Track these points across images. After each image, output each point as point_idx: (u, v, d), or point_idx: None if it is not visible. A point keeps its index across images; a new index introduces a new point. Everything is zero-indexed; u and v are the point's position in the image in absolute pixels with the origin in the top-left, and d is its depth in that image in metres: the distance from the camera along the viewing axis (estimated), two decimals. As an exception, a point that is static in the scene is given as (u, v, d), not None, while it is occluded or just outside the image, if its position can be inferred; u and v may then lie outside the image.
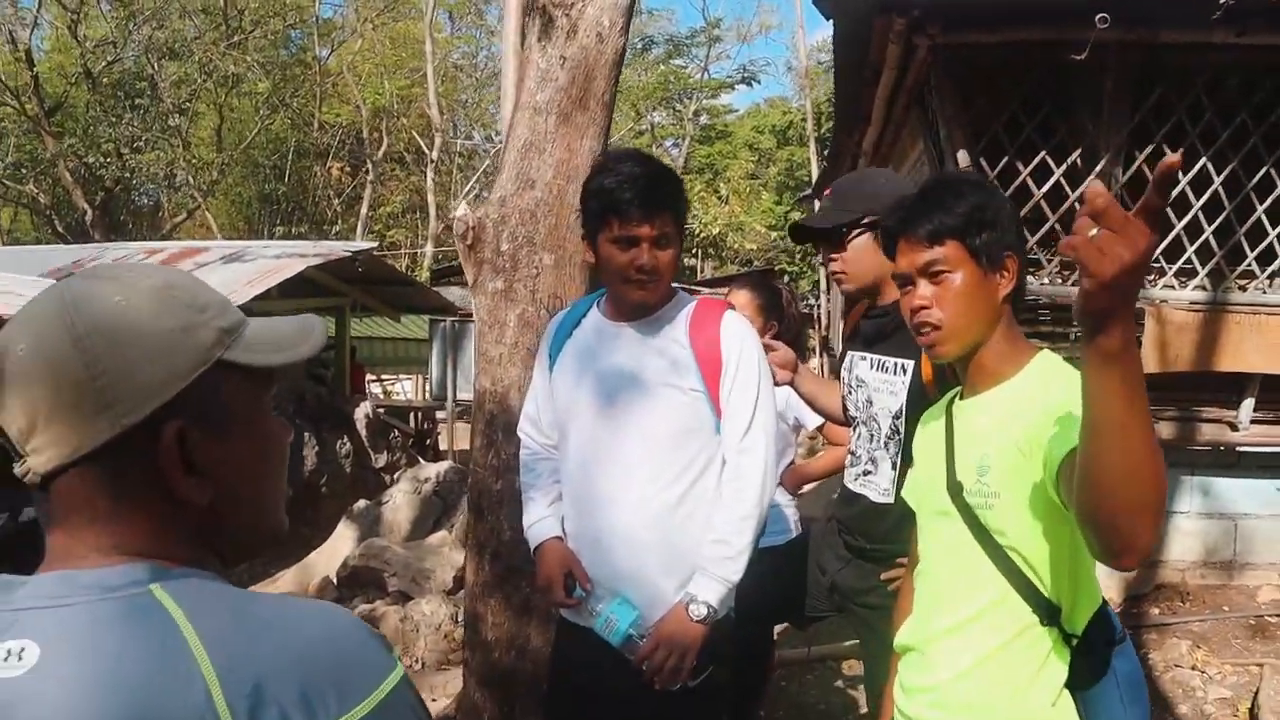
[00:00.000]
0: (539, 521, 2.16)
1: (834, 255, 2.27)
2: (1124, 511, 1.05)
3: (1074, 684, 1.44)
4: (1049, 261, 4.92)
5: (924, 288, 1.51)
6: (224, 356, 0.82)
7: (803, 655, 4.16)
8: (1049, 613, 1.43)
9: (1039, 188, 4.78)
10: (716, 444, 2.03)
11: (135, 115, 20.69)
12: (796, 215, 28.68)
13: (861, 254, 2.23)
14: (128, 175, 21.21)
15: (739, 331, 2.04)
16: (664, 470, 2.00)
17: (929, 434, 1.68)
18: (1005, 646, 1.45)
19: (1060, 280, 4.93)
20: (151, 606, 0.74)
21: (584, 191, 2.04)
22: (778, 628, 3.29)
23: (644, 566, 1.99)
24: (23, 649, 0.72)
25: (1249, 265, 4.94)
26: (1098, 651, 1.45)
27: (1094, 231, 0.94)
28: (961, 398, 1.61)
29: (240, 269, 8.06)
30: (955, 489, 1.51)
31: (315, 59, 24.81)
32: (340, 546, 5.92)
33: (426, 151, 24.76)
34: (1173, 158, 0.92)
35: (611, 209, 1.92)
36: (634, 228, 1.92)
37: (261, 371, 0.85)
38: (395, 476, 7.93)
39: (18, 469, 0.77)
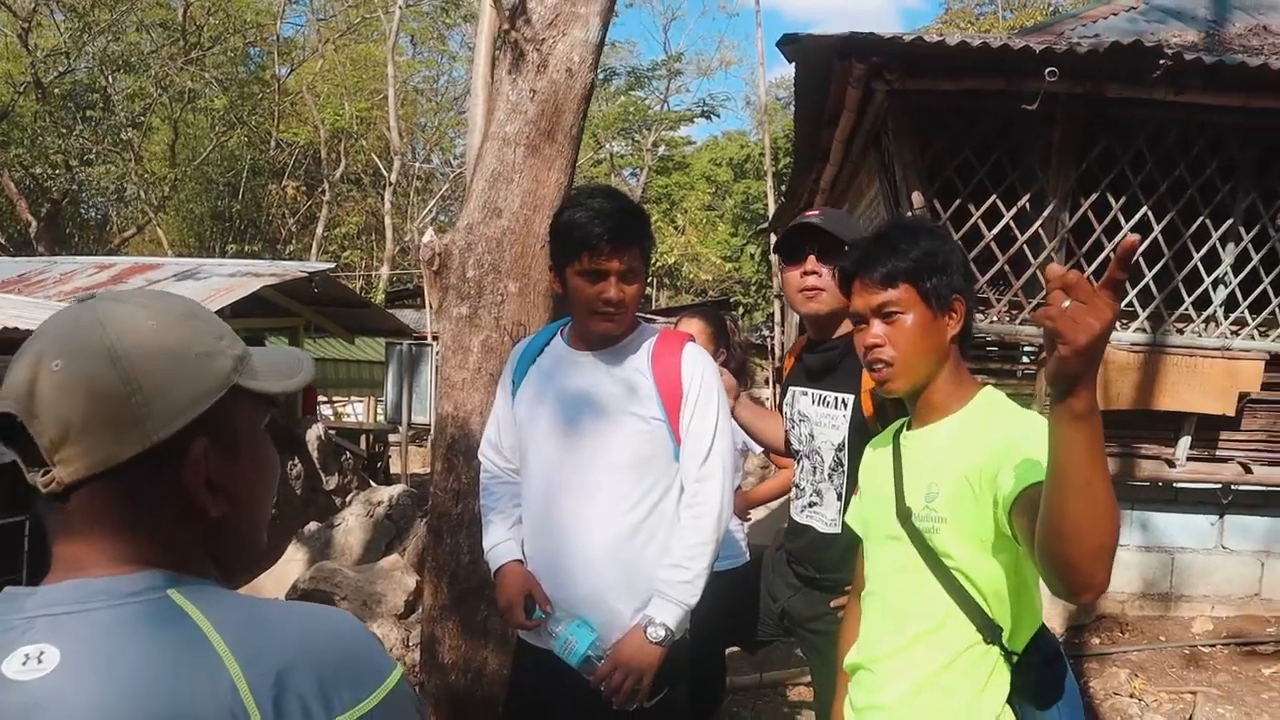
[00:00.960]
0: (499, 544, 2.18)
1: (815, 270, 2.29)
2: (1086, 555, 1.14)
3: (1028, 700, 1.52)
4: (998, 301, 5.08)
5: (877, 327, 1.61)
6: (238, 382, 0.87)
7: (754, 681, 4.20)
8: (992, 632, 1.51)
9: (989, 230, 4.94)
10: (675, 471, 2.07)
11: (86, 127, 20.32)
12: (752, 249, 29.08)
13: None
14: (76, 188, 20.81)
15: (699, 362, 2.10)
16: (624, 496, 2.04)
17: (877, 461, 1.75)
18: (951, 664, 1.53)
19: (1009, 319, 5.09)
20: (171, 609, 0.78)
21: (554, 224, 2.09)
22: (729, 651, 3.33)
23: (603, 590, 2.03)
24: (42, 653, 0.74)
25: (1186, 310, 5.14)
26: (1036, 668, 1.53)
27: (1066, 303, 1.04)
28: (909, 428, 1.69)
29: (194, 287, 7.95)
30: (904, 514, 1.59)
31: (274, 77, 24.62)
32: (290, 569, 5.82)
33: (385, 174, 24.66)
34: (1132, 238, 1.04)
35: (582, 243, 1.97)
36: (603, 262, 1.97)
37: (265, 397, 0.91)
38: (347, 499, 7.84)
39: (38, 478, 0.80)
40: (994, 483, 1.41)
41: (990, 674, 1.52)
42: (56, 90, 20.12)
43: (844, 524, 2.26)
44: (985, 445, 1.47)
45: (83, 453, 0.79)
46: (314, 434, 8.81)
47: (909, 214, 4.75)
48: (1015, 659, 1.53)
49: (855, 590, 1.83)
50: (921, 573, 1.55)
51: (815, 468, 2.34)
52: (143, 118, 21.53)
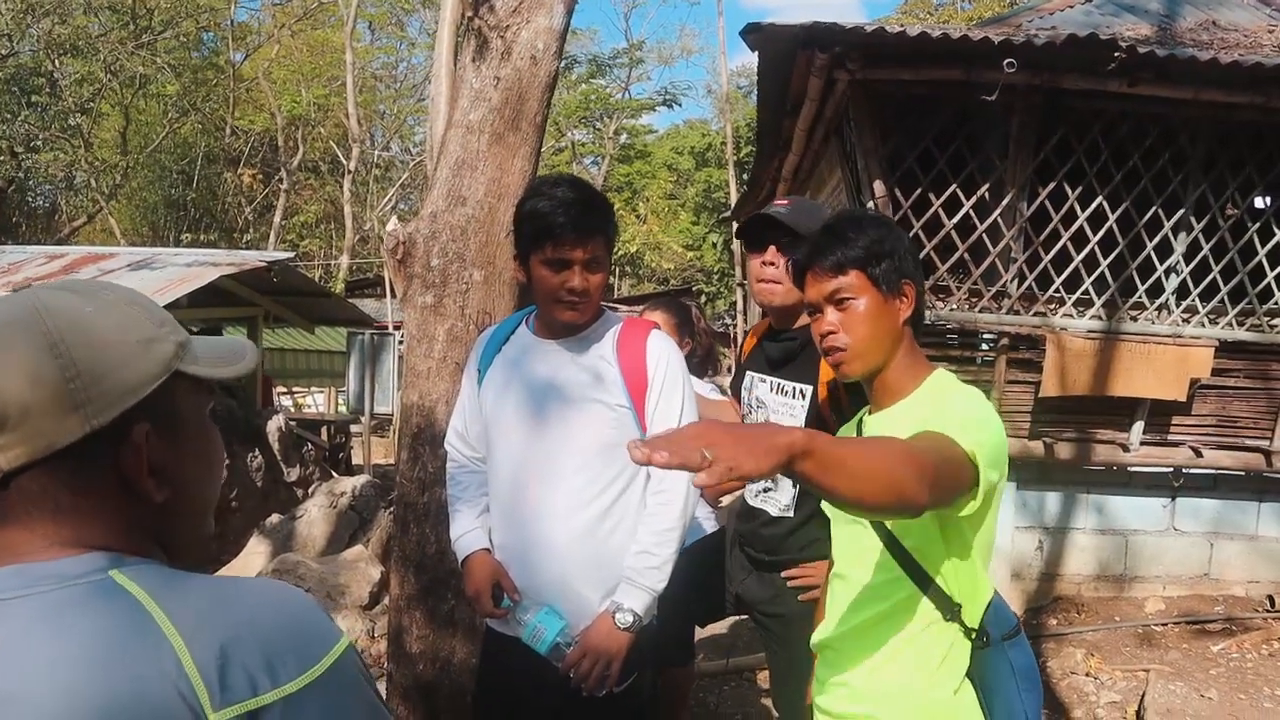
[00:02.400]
0: (466, 534, 2.18)
1: (773, 262, 2.31)
2: (888, 507, 1.29)
3: (986, 674, 1.57)
4: (958, 289, 5.15)
5: (831, 314, 1.65)
6: (179, 368, 0.88)
7: (721, 667, 4.24)
8: (951, 609, 1.57)
9: (949, 219, 5.01)
10: None
11: (32, 113, 19.77)
12: (714, 237, 29.17)
13: None
14: (22, 175, 20.27)
15: (664, 350, 2.11)
16: (591, 484, 2.05)
17: None
18: (912, 641, 1.58)
19: (968, 307, 5.16)
20: (113, 589, 0.78)
21: (518, 213, 2.08)
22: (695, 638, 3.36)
23: (571, 577, 2.04)
24: None
25: (1140, 298, 5.25)
26: (994, 644, 1.59)
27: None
28: (870, 413, 1.74)
29: (149, 276, 7.80)
30: None
31: (228, 63, 24.15)
32: (252, 562, 5.76)
33: (344, 162, 24.34)
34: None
35: (545, 232, 1.97)
36: (567, 251, 1.98)
37: (206, 383, 0.92)
38: (310, 490, 7.76)
39: None
40: None
41: (949, 649, 1.57)
42: (0, 74, 19.57)
43: (796, 508, 2.30)
44: (934, 424, 1.52)
45: (22, 439, 0.79)
46: (274, 425, 8.71)
47: (858, 207, 4.80)
48: (973, 635, 1.58)
49: (827, 571, 1.87)
50: (882, 553, 1.60)
51: None
52: (92, 103, 21.00)
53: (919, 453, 1.32)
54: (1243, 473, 5.44)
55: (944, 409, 1.54)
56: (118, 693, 0.73)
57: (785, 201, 2.40)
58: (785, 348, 2.36)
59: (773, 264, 2.31)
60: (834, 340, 1.64)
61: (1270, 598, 5.34)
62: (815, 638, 1.78)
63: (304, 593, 0.89)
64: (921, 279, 1.71)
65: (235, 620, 0.79)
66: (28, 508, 0.81)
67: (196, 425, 0.91)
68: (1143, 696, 3.90)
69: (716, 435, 1.06)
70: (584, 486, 2.04)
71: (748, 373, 2.49)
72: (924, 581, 1.57)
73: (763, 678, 4.23)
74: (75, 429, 0.80)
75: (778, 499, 2.36)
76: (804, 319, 2.33)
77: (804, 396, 2.28)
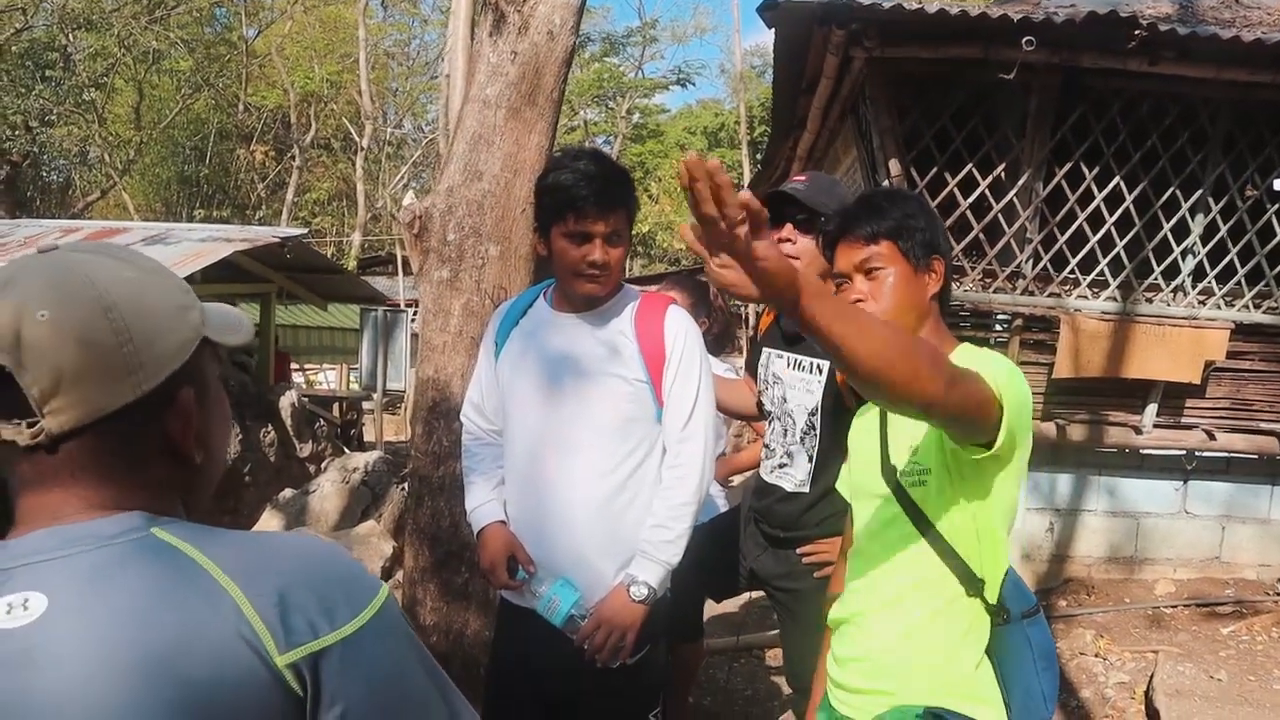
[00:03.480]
0: (482, 505, 2.19)
1: (790, 239, 2.31)
2: (906, 390, 1.23)
3: (993, 650, 1.57)
4: (972, 269, 5.13)
5: (860, 283, 1.66)
6: (205, 333, 0.89)
7: (731, 644, 4.26)
8: (975, 585, 1.56)
9: (965, 198, 4.98)
10: (658, 432, 2.09)
11: (46, 87, 19.75)
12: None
13: (815, 248, 2.31)
14: (36, 150, 20.30)
15: (682, 325, 2.11)
16: (608, 457, 2.05)
17: (865, 426, 1.78)
18: (934, 617, 1.58)
19: (982, 288, 5.14)
20: (157, 545, 0.80)
21: (539, 186, 2.08)
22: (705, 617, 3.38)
23: (586, 549, 2.05)
24: (26, 600, 0.75)
25: (1155, 279, 5.22)
26: (1014, 620, 1.58)
27: (717, 264, 1.09)
28: None
29: (164, 251, 7.82)
30: (889, 472, 1.63)
31: (241, 39, 24.11)
32: (265, 536, 5.82)
33: (356, 139, 24.30)
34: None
35: (568, 204, 1.97)
36: (589, 224, 1.98)
37: (217, 349, 0.94)
38: (323, 466, 7.82)
39: (22, 430, 0.80)
40: None
41: (970, 625, 1.57)
42: (13, 49, 19.53)
43: (812, 484, 2.30)
44: None
45: (74, 403, 0.80)
46: (287, 401, 8.76)
47: (878, 186, 4.77)
48: (993, 611, 1.57)
49: (843, 551, 1.87)
50: (907, 528, 1.60)
51: (787, 430, 2.37)
52: (105, 78, 20.99)
53: (939, 352, 1.33)
54: (1256, 456, 5.42)
55: None
56: (180, 641, 0.74)
57: (803, 178, 2.38)
58: None
59: (790, 240, 2.31)
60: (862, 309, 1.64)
61: (1281, 581, 5.34)
62: (832, 613, 1.78)
63: (338, 544, 0.91)
64: (950, 256, 1.72)
65: (286, 568, 0.81)
66: (73, 471, 0.82)
67: (216, 389, 0.93)
68: (1151, 677, 3.91)
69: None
70: (600, 459, 2.05)
71: (764, 349, 2.49)
72: (950, 557, 1.56)
73: (772, 655, 4.26)
74: (127, 394, 0.81)
75: (793, 474, 2.37)
76: None
77: (821, 372, 2.28)
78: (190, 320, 0.87)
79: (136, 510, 0.83)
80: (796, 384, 2.34)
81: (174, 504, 0.88)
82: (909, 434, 1.62)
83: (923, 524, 1.58)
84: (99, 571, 0.77)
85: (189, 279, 7.35)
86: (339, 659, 0.78)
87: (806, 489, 2.33)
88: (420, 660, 0.87)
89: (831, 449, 2.20)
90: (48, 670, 0.72)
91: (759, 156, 12.30)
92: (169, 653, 0.73)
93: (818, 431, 2.28)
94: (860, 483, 1.74)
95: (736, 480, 3.55)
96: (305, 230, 13.04)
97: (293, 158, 25.28)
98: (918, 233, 1.64)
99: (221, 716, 0.74)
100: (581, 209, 1.96)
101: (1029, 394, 1.50)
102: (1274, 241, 5.16)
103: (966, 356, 1.63)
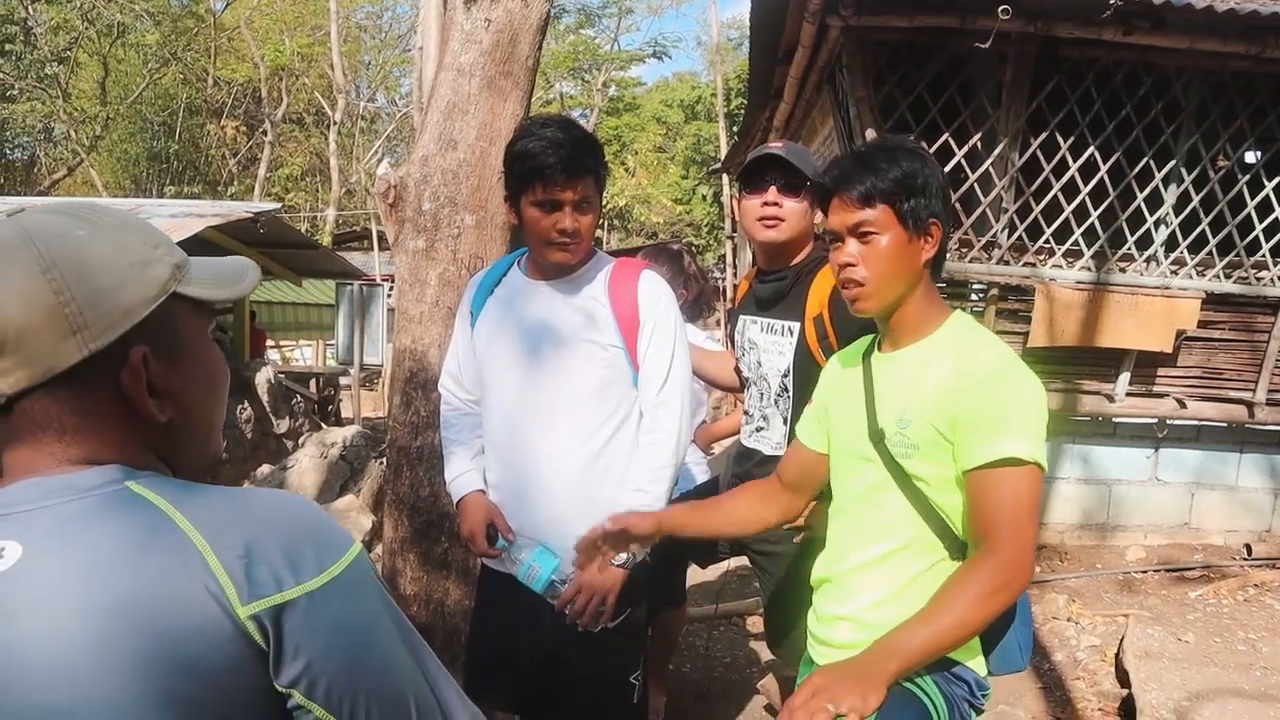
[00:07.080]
0: (461, 475, 2.19)
1: (775, 201, 2.31)
2: (981, 622, 1.48)
3: None
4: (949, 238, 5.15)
5: (852, 245, 1.60)
6: (176, 289, 0.88)
7: (710, 612, 4.30)
8: (958, 548, 1.58)
9: (941, 167, 4.98)
10: (634, 398, 2.10)
11: (6, 62, 19.38)
12: (704, 191, 28.96)
13: (800, 211, 2.32)
14: (-2, 126, 19.92)
15: (656, 290, 2.11)
16: (585, 423, 2.06)
17: (845, 379, 1.77)
18: (918, 577, 1.59)
19: (958, 257, 5.16)
20: (131, 497, 0.80)
21: (508, 154, 2.06)
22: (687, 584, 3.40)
23: (565, 515, 2.05)
24: (1, 549, 0.76)
25: (1129, 249, 5.27)
26: None
27: None
28: (879, 349, 1.71)
29: (133, 226, 7.70)
30: (877, 436, 1.62)
31: (209, 11, 23.66)
32: (242, 512, 5.79)
33: (329, 113, 23.98)
34: None
35: (535, 173, 1.95)
36: (557, 192, 1.96)
37: (206, 304, 0.92)
38: (300, 442, 7.78)
39: None
40: (955, 441, 1.50)
41: None
42: (-28, 22, 19.14)
43: (788, 445, 2.32)
44: (951, 373, 1.53)
45: (20, 363, 0.80)
46: (263, 377, 8.69)
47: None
48: None
49: (776, 475, 1.94)
50: (893, 492, 1.60)
51: (763, 394, 2.40)
52: (68, 52, 20.58)
53: (1004, 563, 1.47)
54: (1225, 424, 5.51)
55: (973, 363, 1.52)
56: (146, 591, 0.74)
57: (779, 144, 2.38)
58: (774, 287, 2.37)
59: (775, 203, 2.30)
60: (851, 274, 1.60)
61: (1248, 546, 5.44)
62: (816, 572, 1.78)
63: (312, 501, 0.90)
64: (949, 219, 1.65)
65: (254, 522, 0.81)
66: (33, 430, 0.82)
67: (197, 347, 0.91)
68: (1121, 640, 3.98)
69: (827, 682, 1.37)
70: (578, 426, 2.05)
71: (740, 316, 2.50)
72: (934, 521, 1.57)
73: (752, 622, 4.30)
74: (73, 352, 0.81)
75: (769, 437, 2.39)
76: (797, 256, 2.34)
77: (791, 334, 2.29)
78: (152, 276, 0.86)
79: (114, 464, 0.83)
80: (770, 347, 2.35)
81: (152, 462, 0.87)
82: (898, 404, 1.60)
83: (910, 491, 1.58)
84: (73, 523, 0.77)
85: (160, 254, 7.29)
86: (303, 613, 0.78)
87: (783, 451, 2.35)
88: (394, 619, 0.87)
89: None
90: (18, 617, 0.73)
91: (735, 129, 12.24)
92: (135, 603, 0.74)
93: (790, 393, 2.30)
94: (843, 442, 1.72)
95: (718, 448, 3.56)
96: (278, 205, 12.86)
97: (264, 133, 24.93)
98: (917, 195, 1.56)
99: (187, 668, 0.74)
100: (549, 177, 1.95)
101: (1044, 398, 1.54)
102: (1244, 212, 5.21)
103: (961, 334, 1.61)
